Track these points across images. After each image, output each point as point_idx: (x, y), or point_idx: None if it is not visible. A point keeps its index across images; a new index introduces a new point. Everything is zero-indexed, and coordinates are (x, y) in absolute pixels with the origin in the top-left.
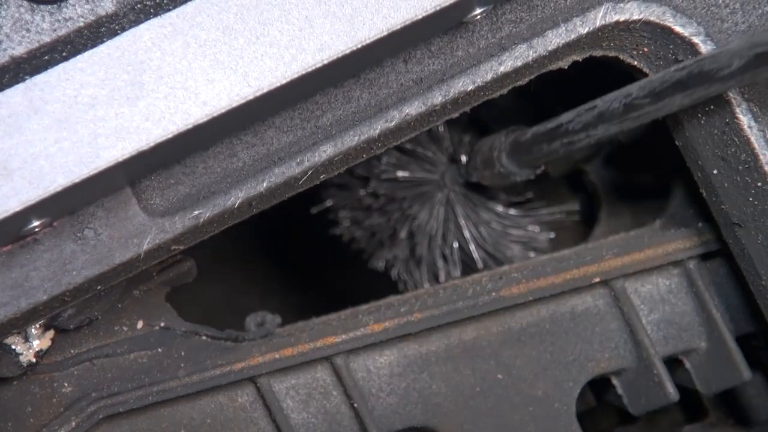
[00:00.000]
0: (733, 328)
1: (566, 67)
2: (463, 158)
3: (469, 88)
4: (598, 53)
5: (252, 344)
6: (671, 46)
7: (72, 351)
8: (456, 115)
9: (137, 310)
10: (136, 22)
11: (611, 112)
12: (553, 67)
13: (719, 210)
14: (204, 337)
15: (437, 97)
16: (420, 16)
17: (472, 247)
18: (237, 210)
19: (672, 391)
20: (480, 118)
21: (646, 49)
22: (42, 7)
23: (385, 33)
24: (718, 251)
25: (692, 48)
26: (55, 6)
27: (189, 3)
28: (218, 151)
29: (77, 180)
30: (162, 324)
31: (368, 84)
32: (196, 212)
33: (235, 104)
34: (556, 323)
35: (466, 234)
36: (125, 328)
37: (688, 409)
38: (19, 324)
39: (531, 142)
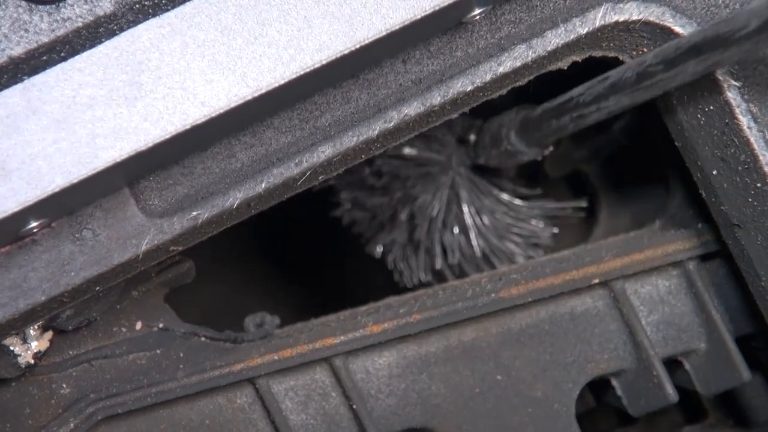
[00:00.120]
0: (733, 329)
1: (566, 68)
2: (472, 137)
3: (468, 89)
4: (598, 54)
5: (251, 345)
6: None
7: (70, 352)
8: (455, 115)
9: (136, 311)
10: (135, 23)
11: (624, 81)
12: (553, 67)
13: (719, 211)
14: (203, 338)
15: (436, 98)
16: (419, 17)
17: (472, 234)
18: (235, 211)
19: (671, 392)
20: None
21: (645, 50)
22: (40, 7)
23: (384, 33)
24: (717, 252)
25: None
26: (54, 6)
27: (187, 3)
28: (217, 151)
29: (75, 180)
30: (161, 325)
31: (367, 84)
32: (194, 213)
33: (233, 105)
34: (555, 324)
35: (467, 220)
36: (124, 329)
37: (687, 410)
38: (17, 325)
39: (541, 118)
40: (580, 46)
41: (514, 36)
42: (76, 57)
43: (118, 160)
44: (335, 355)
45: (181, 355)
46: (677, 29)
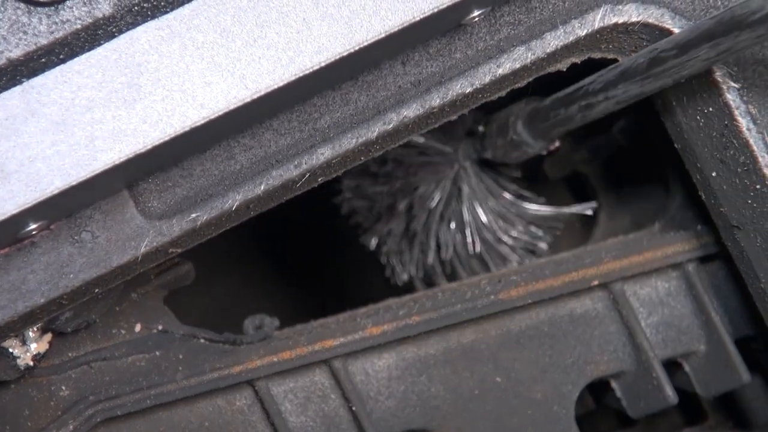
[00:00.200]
0: (732, 331)
1: (565, 70)
2: (481, 129)
3: (467, 91)
4: (597, 55)
5: (250, 347)
6: None
7: (70, 354)
8: (454, 117)
9: (135, 313)
10: (134, 25)
11: (635, 68)
12: (552, 69)
13: (718, 212)
14: (202, 340)
15: (435, 100)
16: (418, 19)
17: (468, 231)
18: (235, 213)
19: (671, 394)
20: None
21: None
22: (39, 9)
23: (383, 35)
24: (717, 254)
25: None
26: (53, 8)
27: (186, 5)
28: (216, 153)
29: (74, 183)
30: (160, 327)
31: (366, 86)
32: (193, 215)
33: (232, 107)
34: (554, 326)
35: (466, 216)
36: (123, 332)
37: (687, 412)
38: (16, 327)
39: (549, 108)
40: (579, 48)
41: (513, 38)
42: (75, 59)
43: (117, 162)
44: (334, 357)
45: (181, 357)
46: (676, 31)
